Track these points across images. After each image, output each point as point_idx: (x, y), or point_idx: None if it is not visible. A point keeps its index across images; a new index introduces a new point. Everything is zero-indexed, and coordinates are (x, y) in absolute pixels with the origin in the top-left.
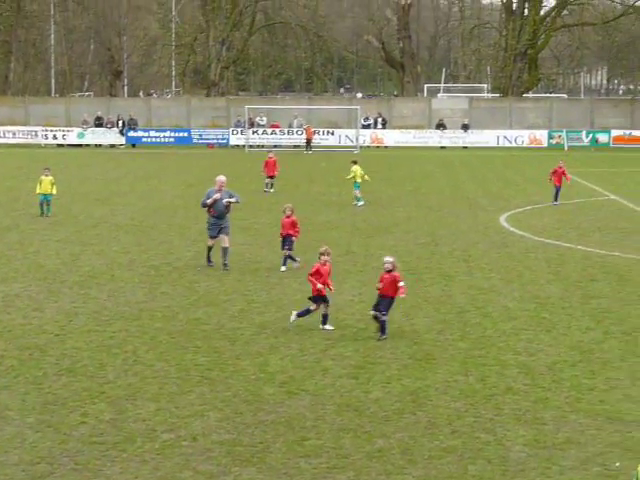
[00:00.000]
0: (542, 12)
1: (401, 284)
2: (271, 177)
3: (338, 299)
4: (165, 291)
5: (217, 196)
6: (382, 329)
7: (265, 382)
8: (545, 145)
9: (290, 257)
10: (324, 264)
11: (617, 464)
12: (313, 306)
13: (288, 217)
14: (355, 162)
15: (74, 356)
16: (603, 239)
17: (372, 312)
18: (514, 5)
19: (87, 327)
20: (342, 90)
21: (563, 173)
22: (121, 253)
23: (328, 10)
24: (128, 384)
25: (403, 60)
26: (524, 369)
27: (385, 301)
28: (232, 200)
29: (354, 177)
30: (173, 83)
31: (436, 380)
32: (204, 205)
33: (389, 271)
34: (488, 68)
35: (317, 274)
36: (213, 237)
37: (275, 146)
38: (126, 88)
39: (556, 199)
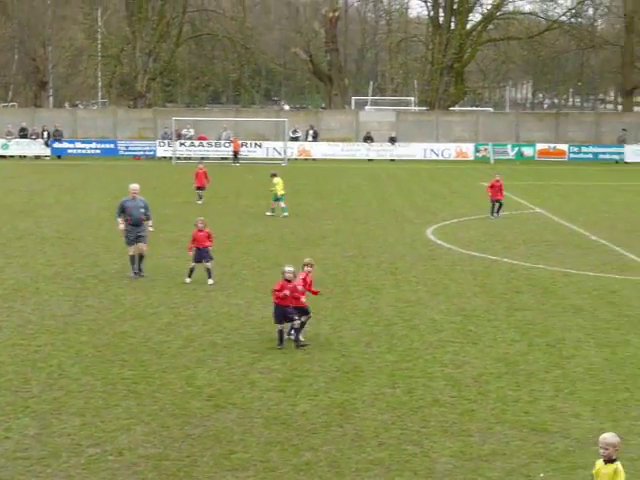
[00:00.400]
0: (468, 26)
1: (300, 288)
2: (200, 188)
3: (265, 312)
4: (91, 304)
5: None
6: (297, 333)
7: (192, 396)
8: (471, 158)
9: (209, 270)
10: (307, 274)
11: (541, 475)
12: (297, 318)
13: (201, 230)
14: (275, 175)
15: None
16: (528, 252)
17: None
18: (441, 19)
19: (11, 341)
20: (282, 103)
21: (501, 187)
22: (46, 266)
23: (255, 22)
24: (53, 398)
25: (331, 73)
26: (450, 381)
27: (287, 310)
28: (147, 221)
29: (275, 190)
30: (99, 94)
31: (363, 393)
32: (119, 215)
33: (289, 281)
34: (415, 81)
35: (300, 285)
36: (131, 245)
37: (202, 158)
38: (51, 99)
39: (498, 212)
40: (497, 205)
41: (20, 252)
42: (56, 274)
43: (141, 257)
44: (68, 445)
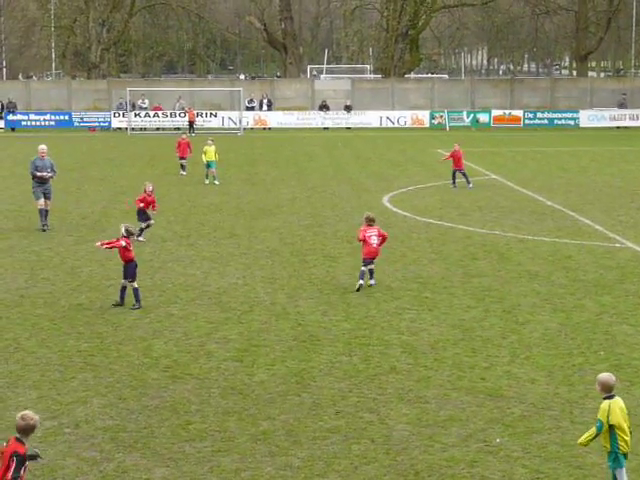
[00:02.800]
0: None
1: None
2: (183, 158)
3: (222, 282)
4: (46, 277)
5: (46, 175)
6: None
7: (149, 367)
8: (427, 125)
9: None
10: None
11: (497, 440)
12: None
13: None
14: (213, 140)
15: None
16: (484, 218)
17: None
18: None
19: None
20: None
21: (460, 156)
22: (1, 239)
23: None
24: (9, 372)
25: (285, 41)
26: (407, 348)
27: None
28: (50, 175)
29: (207, 156)
30: (53, 65)
31: (320, 361)
32: (33, 174)
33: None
34: (370, 49)
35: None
36: (39, 199)
37: (157, 129)
38: (4, 70)
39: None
40: (459, 174)
41: None
42: (11, 247)
43: (46, 212)
44: None
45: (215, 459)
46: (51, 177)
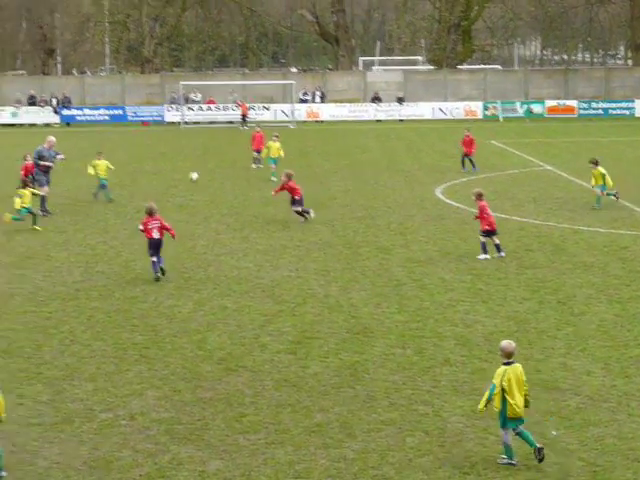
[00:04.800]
0: None
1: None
2: (259, 151)
3: (275, 274)
4: (101, 270)
5: (61, 157)
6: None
7: (203, 359)
8: (480, 117)
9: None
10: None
11: (554, 432)
12: (484, 239)
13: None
14: (277, 136)
15: (10, 337)
16: (538, 209)
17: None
18: None
19: (23, 308)
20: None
21: (471, 142)
22: (57, 233)
23: None
24: (65, 364)
25: (337, 34)
26: (461, 341)
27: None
28: (62, 157)
29: (271, 152)
30: (107, 60)
31: (374, 353)
32: (36, 162)
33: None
34: (423, 40)
35: (485, 211)
36: (44, 186)
37: (211, 122)
38: (59, 66)
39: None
40: (467, 160)
41: (30, 219)
42: (66, 241)
43: (44, 198)
44: (81, 410)
45: (269, 451)
46: (62, 159)
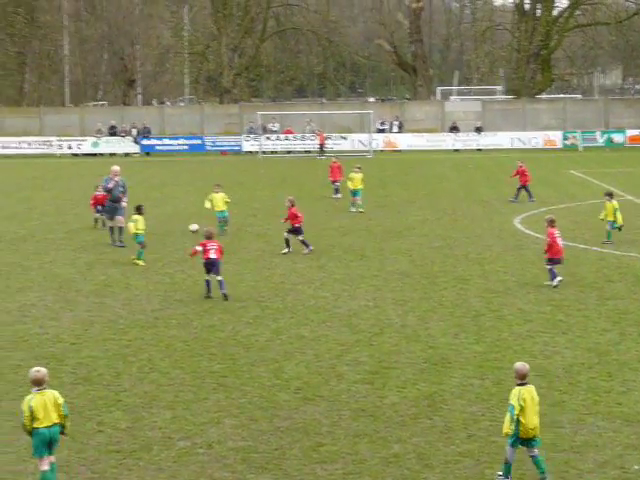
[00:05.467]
0: (555, 12)
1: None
2: (336, 182)
3: (352, 304)
4: (180, 299)
5: (112, 184)
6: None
7: (280, 388)
8: (559, 146)
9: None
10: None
11: (636, 467)
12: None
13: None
14: (360, 168)
15: (90, 365)
16: (619, 240)
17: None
18: (526, 6)
19: (103, 336)
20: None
21: (524, 172)
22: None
23: (339, 15)
24: (144, 392)
25: (415, 63)
26: (540, 372)
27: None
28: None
29: (353, 184)
30: (186, 91)
31: (452, 384)
32: (107, 190)
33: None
34: (501, 70)
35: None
36: (111, 219)
37: (289, 152)
38: (139, 97)
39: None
40: (522, 190)
41: (110, 248)
42: (145, 269)
43: (120, 229)
44: (159, 438)
45: None
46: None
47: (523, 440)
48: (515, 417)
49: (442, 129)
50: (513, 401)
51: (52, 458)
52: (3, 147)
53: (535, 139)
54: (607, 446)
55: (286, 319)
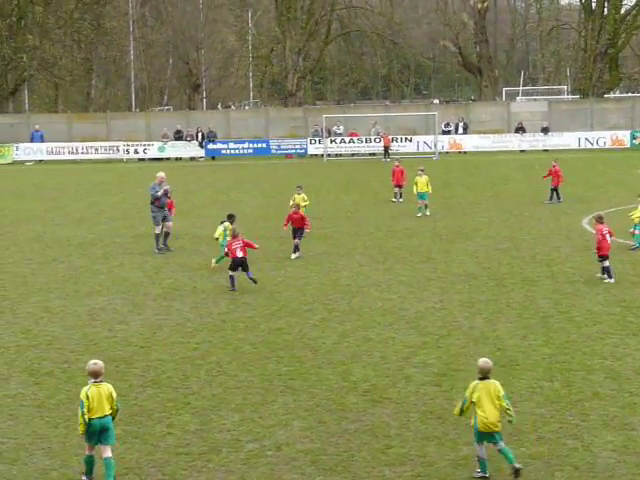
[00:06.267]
0: (622, 10)
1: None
2: (399, 186)
3: (419, 306)
4: (247, 301)
5: (162, 192)
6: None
7: (348, 391)
8: (628, 146)
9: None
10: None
11: None
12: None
13: (296, 213)
14: (423, 170)
15: (159, 368)
16: None
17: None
18: (593, 5)
19: (171, 339)
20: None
21: (557, 173)
22: (203, 265)
23: (403, 17)
24: (212, 395)
25: (480, 64)
26: (611, 374)
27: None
28: (167, 187)
29: (418, 187)
30: (251, 94)
31: (520, 386)
32: (155, 197)
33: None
34: (567, 69)
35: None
36: (158, 225)
37: (353, 154)
38: (205, 101)
39: (558, 198)
40: (553, 192)
41: (177, 252)
42: (212, 273)
43: (167, 234)
44: (228, 440)
45: None
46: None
47: (484, 434)
48: (465, 409)
49: (508, 130)
50: (467, 393)
51: (108, 452)
52: (71, 153)
53: (603, 139)
54: None
55: (353, 322)
